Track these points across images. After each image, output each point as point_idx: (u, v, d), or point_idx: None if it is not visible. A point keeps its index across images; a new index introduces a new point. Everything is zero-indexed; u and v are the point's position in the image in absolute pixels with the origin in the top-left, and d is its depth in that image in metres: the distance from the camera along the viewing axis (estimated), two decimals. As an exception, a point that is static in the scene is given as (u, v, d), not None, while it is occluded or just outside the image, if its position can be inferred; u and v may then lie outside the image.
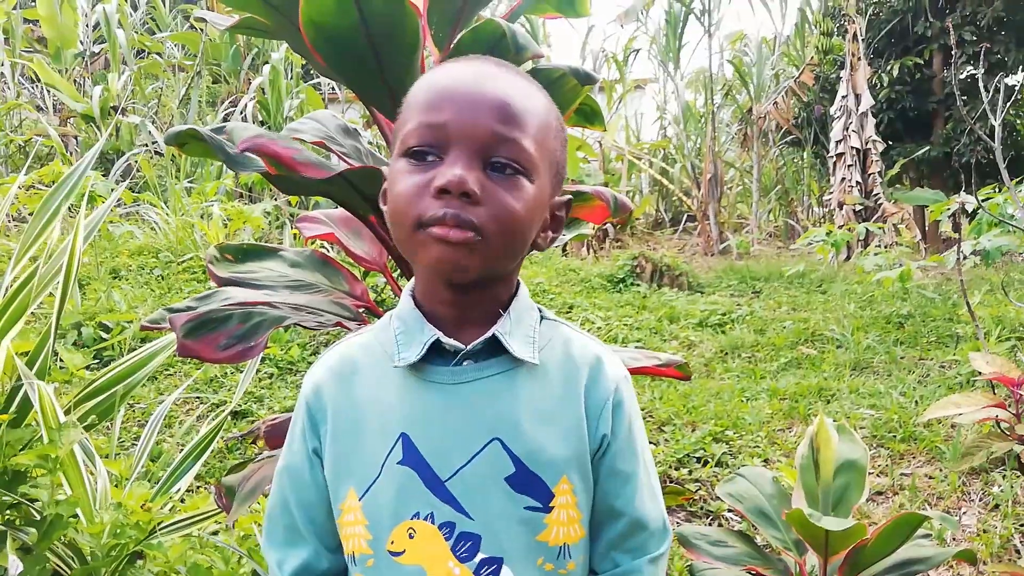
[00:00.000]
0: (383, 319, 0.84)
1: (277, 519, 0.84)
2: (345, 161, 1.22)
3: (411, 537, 0.76)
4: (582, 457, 0.80)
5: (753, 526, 1.59)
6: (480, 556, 0.75)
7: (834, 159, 8.18)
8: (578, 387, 0.80)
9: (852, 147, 7.95)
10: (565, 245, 7.48)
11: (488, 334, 0.77)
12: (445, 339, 0.77)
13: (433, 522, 0.75)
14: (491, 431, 0.76)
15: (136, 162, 5.97)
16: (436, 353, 0.78)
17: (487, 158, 0.73)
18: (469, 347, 0.77)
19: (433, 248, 0.72)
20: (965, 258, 3.98)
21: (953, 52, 4.02)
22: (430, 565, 0.75)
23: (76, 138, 6.99)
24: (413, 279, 0.84)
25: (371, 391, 0.80)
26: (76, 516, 1.53)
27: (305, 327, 1.22)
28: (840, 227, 7.01)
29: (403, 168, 0.75)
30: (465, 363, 0.78)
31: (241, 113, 6.88)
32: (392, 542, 0.76)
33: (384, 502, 0.77)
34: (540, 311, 0.84)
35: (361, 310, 1.38)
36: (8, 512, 1.55)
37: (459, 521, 0.75)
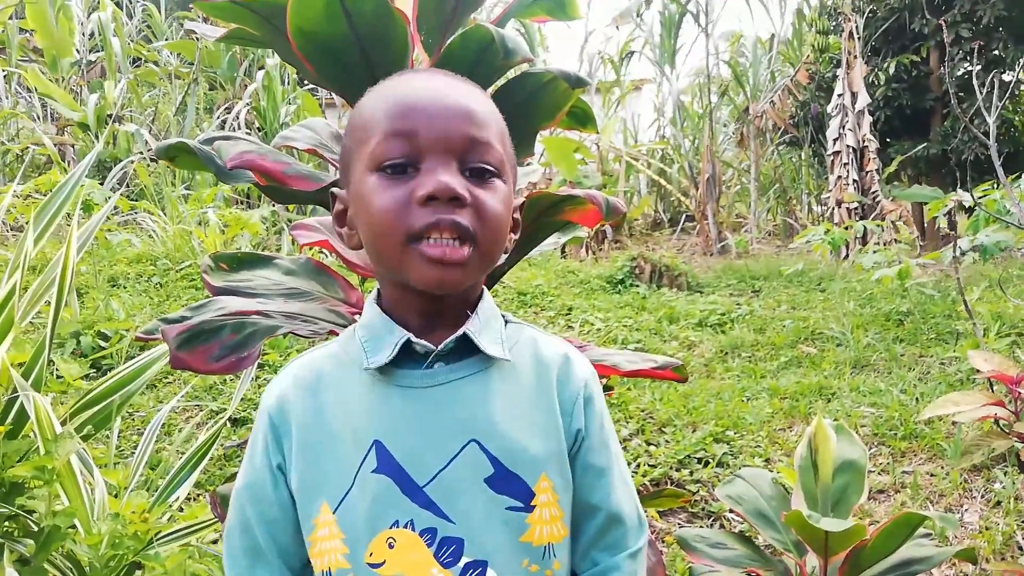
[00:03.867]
0: (347, 331, 0.83)
1: (236, 541, 0.81)
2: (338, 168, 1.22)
3: (391, 547, 0.74)
4: (560, 454, 0.79)
5: (753, 527, 1.59)
6: (464, 560, 0.74)
7: (831, 157, 8.17)
8: (550, 385, 0.80)
9: (848, 145, 7.94)
10: (564, 246, 7.47)
11: (459, 332, 0.77)
12: (416, 340, 0.76)
13: (413, 529, 0.74)
14: (467, 432, 0.75)
15: (133, 170, 5.97)
16: (406, 357, 0.77)
17: (463, 163, 0.72)
18: (440, 347, 0.76)
19: (428, 269, 0.71)
20: (963, 254, 3.97)
21: (948, 49, 4.01)
22: (412, 573, 0.74)
23: (73, 147, 6.99)
24: (376, 290, 0.83)
25: (339, 400, 0.78)
26: (74, 527, 1.53)
27: (298, 335, 1.22)
28: (837, 225, 7.00)
29: (377, 184, 0.72)
30: (436, 365, 0.77)
31: (235, 120, 6.88)
32: (371, 554, 0.74)
33: (359, 513, 0.75)
34: (504, 316, 0.84)
35: (356, 317, 1.38)
36: (5, 524, 1.55)
37: (440, 526, 0.74)
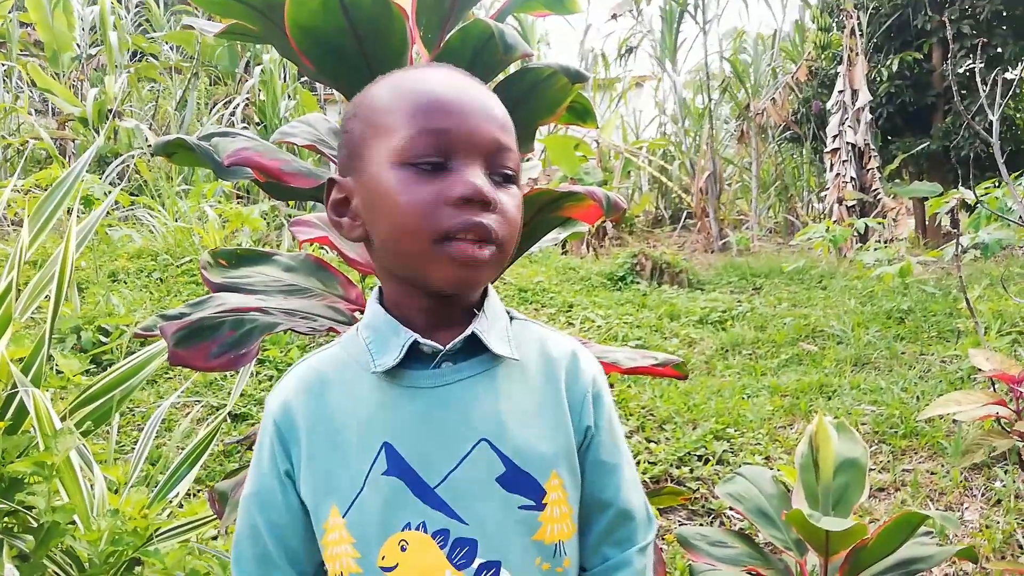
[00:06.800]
0: (349, 332, 0.82)
1: (246, 549, 0.80)
2: (336, 164, 1.21)
3: (403, 550, 0.73)
4: (569, 452, 0.79)
5: (754, 525, 1.59)
6: (478, 561, 0.73)
7: (830, 155, 8.15)
8: (559, 382, 0.80)
9: (848, 143, 7.92)
10: (564, 243, 7.46)
11: (467, 332, 0.76)
12: (423, 340, 0.75)
13: (426, 531, 0.73)
14: (477, 432, 0.75)
15: (133, 165, 5.96)
16: (412, 358, 0.76)
17: (488, 166, 0.73)
18: (448, 347, 0.76)
19: (454, 268, 0.71)
20: (964, 251, 3.96)
21: (951, 46, 4.00)
22: None
23: (74, 141, 6.98)
24: (377, 289, 0.82)
25: (346, 402, 0.77)
26: (73, 523, 1.52)
27: (298, 332, 1.22)
28: (835, 222, 6.99)
29: (405, 178, 0.71)
30: (443, 365, 0.76)
31: (231, 116, 6.87)
32: (383, 557, 0.73)
33: (370, 516, 0.74)
34: (508, 312, 0.83)
35: (356, 313, 1.37)
36: (5, 520, 1.54)
37: (453, 527, 0.73)
